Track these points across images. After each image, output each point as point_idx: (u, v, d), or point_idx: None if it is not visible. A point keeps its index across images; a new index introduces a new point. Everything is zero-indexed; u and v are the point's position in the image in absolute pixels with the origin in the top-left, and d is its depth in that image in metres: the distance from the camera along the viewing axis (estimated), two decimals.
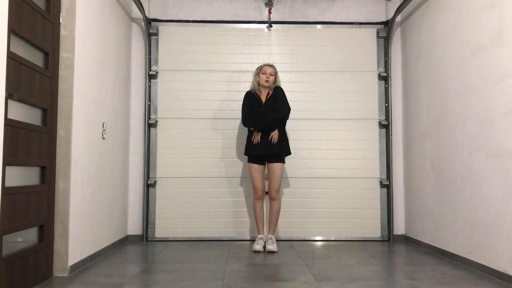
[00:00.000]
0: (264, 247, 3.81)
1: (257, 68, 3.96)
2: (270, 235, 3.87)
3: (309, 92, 4.51)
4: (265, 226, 4.10)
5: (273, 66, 3.97)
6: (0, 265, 2.24)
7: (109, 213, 3.74)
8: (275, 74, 3.92)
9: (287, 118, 3.89)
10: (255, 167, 3.88)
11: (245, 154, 3.95)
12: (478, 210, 3.10)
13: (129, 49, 4.37)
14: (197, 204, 4.39)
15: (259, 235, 3.90)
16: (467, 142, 3.23)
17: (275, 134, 3.78)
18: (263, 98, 3.90)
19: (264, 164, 3.90)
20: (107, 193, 3.68)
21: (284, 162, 3.91)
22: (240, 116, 4.42)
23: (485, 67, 3.02)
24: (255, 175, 3.88)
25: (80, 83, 3.06)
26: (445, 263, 3.33)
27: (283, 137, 3.86)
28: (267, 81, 3.86)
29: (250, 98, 3.92)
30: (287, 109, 3.86)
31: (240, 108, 4.20)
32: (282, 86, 3.96)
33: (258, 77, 3.90)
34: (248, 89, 4.06)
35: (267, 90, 3.91)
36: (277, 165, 3.84)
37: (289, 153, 3.92)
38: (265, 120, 3.79)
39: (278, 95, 3.88)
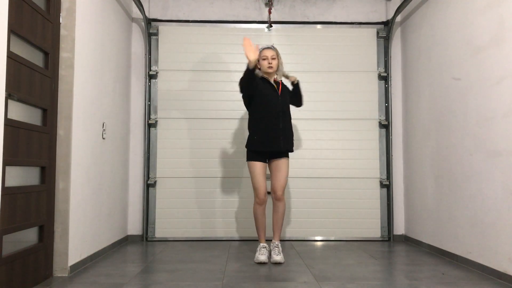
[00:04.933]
0: (269, 257, 3.37)
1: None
2: (276, 242, 3.37)
3: (309, 92, 4.50)
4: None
5: (273, 47, 3.43)
6: (0, 265, 2.24)
7: (109, 213, 3.74)
8: (277, 56, 3.42)
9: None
10: (258, 165, 3.34)
11: (248, 147, 3.39)
12: (478, 210, 3.10)
13: (129, 49, 4.37)
14: (197, 204, 4.39)
15: (261, 244, 3.39)
16: (467, 142, 3.23)
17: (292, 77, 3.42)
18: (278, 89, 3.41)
19: (266, 162, 3.42)
20: (107, 193, 3.68)
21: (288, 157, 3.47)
22: (239, 116, 4.43)
23: (485, 67, 3.02)
24: (258, 176, 3.33)
25: (80, 83, 3.06)
26: (445, 263, 3.33)
27: (291, 131, 3.47)
28: (270, 67, 3.35)
29: (262, 80, 3.38)
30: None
31: (240, 108, 4.18)
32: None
33: (259, 64, 3.40)
34: None
35: (273, 79, 3.45)
36: (284, 160, 3.38)
37: (292, 150, 3.50)
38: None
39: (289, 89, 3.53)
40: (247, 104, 3.48)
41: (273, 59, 3.37)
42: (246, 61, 4.46)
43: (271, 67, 3.36)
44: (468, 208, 3.23)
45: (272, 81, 3.44)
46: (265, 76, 3.43)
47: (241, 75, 4.42)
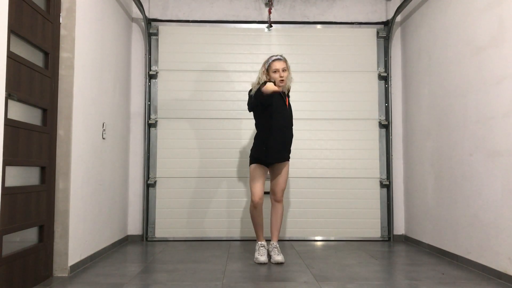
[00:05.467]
0: (269, 257, 3.38)
1: (265, 64, 3.33)
2: (275, 243, 3.41)
3: (309, 92, 4.50)
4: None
5: (283, 58, 3.33)
6: (0, 265, 2.24)
7: (109, 213, 3.74)
8: (287, 67, 3.32)
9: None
10: (260, 170, 3.33)
11: (253, 155, 3.36)
12: (478, 210, 3.10)
13: (129, 49, 4.37)
14: (197, 204, 4.39)
15: (260, 242, 3.40)
16: (467, 142, 3.23)
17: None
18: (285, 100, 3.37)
19: (268, 167, 3.42)
20: (107, 193, 3.68)
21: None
22: (239, 116, 4.43)
23: (485, 67, 3.02)
24: (258, 180, 3.31)
25: (80, 83, 3.06)
26: (445, 263, 3.33)
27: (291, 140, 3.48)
28: (282, 80, 3.26)
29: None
30: None
31: (240, 108, 4.16)
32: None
33: (269, 76, 3.29)
34: (249, 88, 3.62)
35: (281, 90, 3.35)
36: (286, 164, 3.41)
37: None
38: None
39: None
40: (259, 113, 3.36)
41: (284, 71, 3.28)
42: (245, 60, 4.51)
43: (283, 80, 3.28)
44: (468, 208, 3.23)
45: (281, 92, 3.35)
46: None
47: (240, 75, 4.45)
